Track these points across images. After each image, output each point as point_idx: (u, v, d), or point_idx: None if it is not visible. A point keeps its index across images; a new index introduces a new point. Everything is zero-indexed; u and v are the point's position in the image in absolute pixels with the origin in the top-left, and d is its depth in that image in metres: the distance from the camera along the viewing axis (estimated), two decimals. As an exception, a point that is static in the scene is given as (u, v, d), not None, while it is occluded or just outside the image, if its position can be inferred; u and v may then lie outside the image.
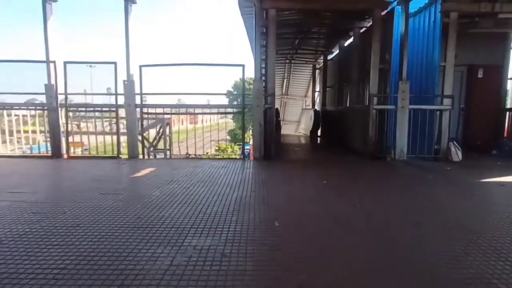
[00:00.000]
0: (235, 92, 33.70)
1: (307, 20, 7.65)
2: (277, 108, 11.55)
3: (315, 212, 2.87)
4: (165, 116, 7.38)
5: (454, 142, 6.09)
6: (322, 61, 11.57)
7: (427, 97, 6.12)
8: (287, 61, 13.41)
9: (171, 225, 2.50)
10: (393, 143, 6.07)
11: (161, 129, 9.12)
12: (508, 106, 8.08)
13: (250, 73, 6.17)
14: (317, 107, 12.70)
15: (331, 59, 11.07)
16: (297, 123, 16.97)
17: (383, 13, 6.30)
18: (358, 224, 2.61)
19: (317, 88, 13.41)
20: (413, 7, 6.13)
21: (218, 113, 6.36)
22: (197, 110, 6.51)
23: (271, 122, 6.12)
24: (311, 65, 13.49)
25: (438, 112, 6.06)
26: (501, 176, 4.67)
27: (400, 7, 5.92)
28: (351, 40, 8.72)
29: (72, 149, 6.45)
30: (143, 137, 6.61)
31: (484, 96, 7.78)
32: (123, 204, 3.06)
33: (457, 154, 6.02)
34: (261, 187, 3.81)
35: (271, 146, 5.99)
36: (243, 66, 5.99)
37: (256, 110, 5.93)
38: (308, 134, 11.42)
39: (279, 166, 5.38)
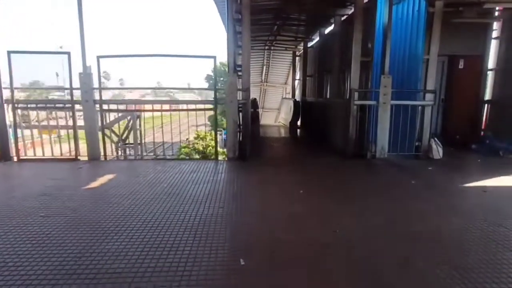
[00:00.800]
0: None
1: (286, 5, 7.09)
2: (254, 99, 11.10)
3: (289, 240, 2.50)
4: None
5: (435, 139, 5.90)
6: (302, 48, 11.07)
7: (410, 92, 5.85)
8: (266, 47, 12.81)
9: (108, 267, 2.05)
10: (374, 140, 5.79)
11: (131, 122, 8.45)
12: (487, 97, 7.99)
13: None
14: (297, 96, 12.30)
15: (311, 46, 10.60)
16: (277, 110, 16.57)
17: (366, 0, 5.86)
18: (337, 260, 2.27)
19: (298, 76, 12.96)
20: (398, -6, 5.74)
21: (187, 109, 5.81)
22: (165, 107, 5.91)
23: (246, 119, 5.66)
24: (291, 52, 12.96)
25: (420, 108, 5.82)
26: (482, 178, 4.50)
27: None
28: (332, 27, 8.26)
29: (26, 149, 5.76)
30: (104, 134, 5.98)
31: (464, 87, 7.64)
32: (61, 232, 2.57)
33: (438, 151, 5.83)
34: (231, 202, 3.40)
35: (246, 145, 5.56)
36: (214, 57, 5.44)
37: (230, 106, 5.45)
38: (288, 125, 11.06)
39: (254, 170, 4.97)
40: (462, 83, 7.60)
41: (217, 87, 5.72)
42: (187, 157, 8.13)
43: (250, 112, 10.58)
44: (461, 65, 7.73)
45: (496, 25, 7.59)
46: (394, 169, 5.07)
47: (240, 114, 5.66)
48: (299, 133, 10.27)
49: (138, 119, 8.18)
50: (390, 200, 3.52)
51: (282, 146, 7.90)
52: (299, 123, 10.98)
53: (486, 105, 7.85)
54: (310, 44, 10.73)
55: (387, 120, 5.62)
